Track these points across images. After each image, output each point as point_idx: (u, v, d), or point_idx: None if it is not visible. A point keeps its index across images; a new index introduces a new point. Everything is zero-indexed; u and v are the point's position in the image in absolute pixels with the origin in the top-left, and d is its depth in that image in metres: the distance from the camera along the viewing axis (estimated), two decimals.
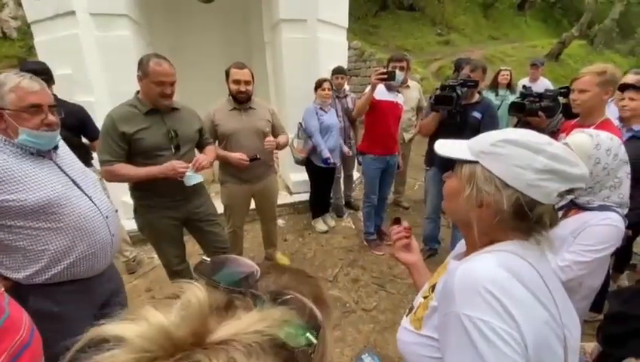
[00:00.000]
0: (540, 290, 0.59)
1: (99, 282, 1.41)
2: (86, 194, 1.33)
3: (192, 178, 1.85)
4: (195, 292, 0.30)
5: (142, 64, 1.74)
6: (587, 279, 1.28)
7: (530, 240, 0.65)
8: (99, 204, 1.37)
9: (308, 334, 0.31)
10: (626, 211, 1.27)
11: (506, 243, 0.64)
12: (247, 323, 0.28)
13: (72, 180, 1.32)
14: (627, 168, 1.22)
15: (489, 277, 0.58)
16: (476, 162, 0.66)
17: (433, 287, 0.78)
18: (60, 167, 1.30)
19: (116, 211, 2.86)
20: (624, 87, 2.13)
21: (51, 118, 1.24)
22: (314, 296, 0.38)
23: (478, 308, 0.56)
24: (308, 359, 0.31)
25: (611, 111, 2.91)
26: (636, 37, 17.08)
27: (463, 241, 0.82)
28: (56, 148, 1.32)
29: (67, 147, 1.44)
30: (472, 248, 0.72)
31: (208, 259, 0.39)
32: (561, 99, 2.37)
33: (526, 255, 0.62)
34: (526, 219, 0.63)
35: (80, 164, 1.43)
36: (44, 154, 1.26)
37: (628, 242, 2.24)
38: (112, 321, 0.28)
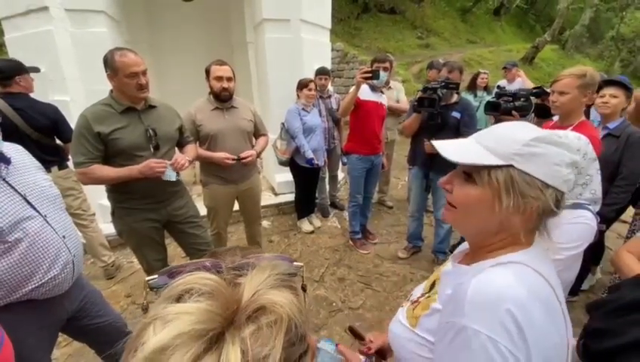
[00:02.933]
0: (554, 309, 0.58)
1: (59, 302, 1.30)
2: (40, 214, 1.21)
3: (171, 174, 1.80)
4: (204, 275, 0.33)
5: (107, 61, 1.66)
6: (563, 273, 1.31)
7: (537, 239, 0.65)
8: (54, 223, 1.25)
9: (294, 263, 0.41)
10: (598, 208, 1.32)
11: (517, 254, 0.61)
12: (258, 276, 0.34)
13: (24, 198, 1.18)
14: (596, 164, 1.27)
15: (513, 297, 0.54)
16: (508, 166, 0.59)
17: (432, 285, 0.76)
18: (9, 184, 1.16)
19: (93, 215, 2.79)
20: (606, 84, 2.16)
21: None
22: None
23: (491, 327, 0.53)
24: (302, 280, 0.41)
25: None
26: (605, 42, 17.98)
27: (465, 244, 0.78)
28: (7, 161, 1.17)
29: (27, 156, 1.30)
30: (479, 250, 0.68)
31: (156, 276, 0.42)
32: (534, 100, 2.46)
33: (538, 266, 0.60)
34: (559, 210, 0.62)
35: (38, 177, 1.28)
36: None
37: (600, 235, 2.33)
38: (143, 334, 0.29)
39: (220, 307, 0.30)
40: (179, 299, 0.32)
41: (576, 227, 1.24)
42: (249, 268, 0.36)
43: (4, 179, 1.15)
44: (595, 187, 1.28)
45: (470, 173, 0.63)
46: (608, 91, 2.13)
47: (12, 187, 1.16)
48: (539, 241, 0.65)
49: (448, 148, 0.66)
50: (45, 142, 2.39)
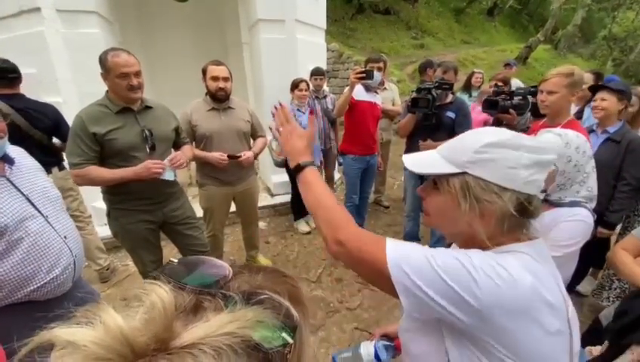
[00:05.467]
0: (557, 301, 0.59)
1: (59, 303, 1.29)
2: (42, 215, 1.23)
3: (168, 174, 1.79)
4: (160, 293, 0.28)
5: (101, 61, 1.66)
6: (559, 271, 1.34)
7: (531, 234, 0.66)
8: (55, 224, 1.27)
9: (283, 334, 0.30)
10: (594, 205, 1.33)
11: (518, 245, 0.63)
12: (216, 325, 0.27)
13: (27, 198, 1.21)
14: (592, 162, 1.28)
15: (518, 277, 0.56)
16: (463, 173, 0.63)
17: None
18: (13, 184, 1.18)
19: (90, 217, 2.76)
20: (596, 89, 2.18)
21: None
22: (290, 296, 0.36)
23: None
24: (283, 360, 0.30)
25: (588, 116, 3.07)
26: (597, 41, 18.20)
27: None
28: (11, 162, 1.20)
29: (29, 158, 1.32)
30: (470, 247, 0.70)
31: (176, 261, 0.37)
32: (531, 98, 2.48)
33: (538, 257, 0.62)
34: (528, 213, 0.63)
35: (40, 178, 1.31)
36: None
37: (606, 240, 2.29)
38: (65, 324, 0.26)
39: (137, 335, 0.25)
40: (131, 302, 0.29)
41: (573, 224, 1.25)
42: (233, 304, 0.30)
43: (8, 179, 1.18)
44: (592, 184, 1.29)
45: (436, 182, 0.68)
46: (599, 96, 2.14)
47: (15, 187, 1.19)
48: (540, 242, 0.66)
49: (411, 160, 0.72)
50: (45, 143, 2.37)
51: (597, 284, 2.38)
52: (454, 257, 0.59)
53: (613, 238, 2.36)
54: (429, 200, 0.71)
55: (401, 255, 0.62)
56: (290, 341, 0.30)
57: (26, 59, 2.80)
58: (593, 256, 2.35)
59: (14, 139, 1.41)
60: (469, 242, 0.67)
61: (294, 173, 0.86)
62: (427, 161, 0.70)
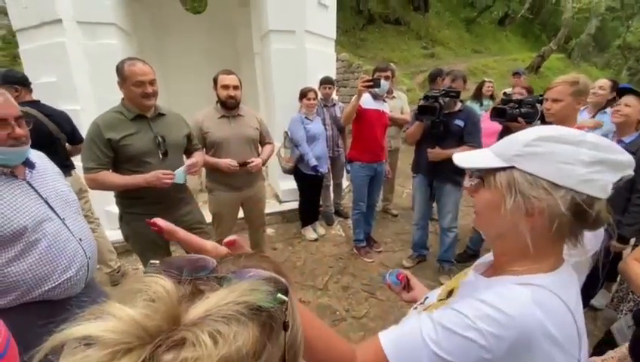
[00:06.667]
0: (567, 337, 0.55)
1: (72, 302, 1.33)
2: (59, 217, 1.27)
3: (179, 178, 1.84)
4: (161, 283, 0.30)
5: (118, 69, 1.74)
6: None
7: (565, 263, 0.62)
8: (71, 226, 1.31)
9: (278, 294, 0.33)
10: None
11: (539, 276, 0.59)
12: (218, 298, 0.29)
13: (45, 201, 1.25)
14: None
15: (526, 320, 0.54)
16: (511, 167, 0.59)
17: (450, 292, 0.74)
18: (32, 187, 1.23)
19: (97, 219, 2.82)
20: (623, 92, 2.14)
21: (19, 130, 1.15)
22: (275, 270, 0.39)
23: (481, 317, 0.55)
24: (283, 317, 0.33)
25: (583, 116, 3.05)
26: (611, 50, 17.93)
27: (489, 255, 0.76)
28: (32, 166, 1.25)
29: (49, 163, 1.37)
30: (500, 262, 0.67)
31: (157, 262, 0.39)
32: (540, 107, 2.45)
33: (558, 289, 0.57)
34: (586, 218, 0.56)
35: (58, 182, 1.35)
36: (16, 173, 1.20)
37: (618, 254, 2.23)
38: (73, 323, 0.27)
39: (151, 321, 0.27)
40: (129, 297, 0.30)
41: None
42: (226, 282, 0.33)
43: (28, 183, 1.22)
44: None
45: (483, 179, 0.64)
46: (623, 100, 2.08)
47: (35, 190, 1.23)
48: (566, 266, 0.62)
49: (461, 156, 0.68)
50: (65, 146, 2.48)
51: (613, 296, 2.31)
52: (448, 329, 0.56)
53: (626, 250, 2.30)
54: (477, 197, 0.66)
55: (401, 354, 0.59)
56: (286, 298, 0.33)
57: (46, 69, 2.94)
58: (608, 268, 2.29)
59: (46, 143, 1.48)
60: (511, 248, 0.63)
61: None
62: (475, 156, 0.67)
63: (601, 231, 0.68)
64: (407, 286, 1.00)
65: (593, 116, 3.09)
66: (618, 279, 2.59)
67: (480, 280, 0.68)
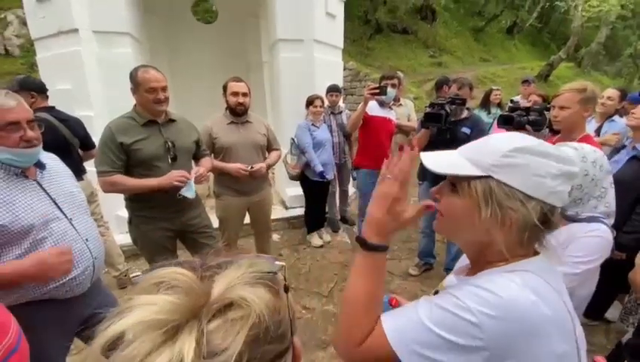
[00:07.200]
0: (562, 319, 0.57)
1: (78, 303, 1.35)
2: (66, 217, 1.30)
3: (189, 190, 1.87)
4: (178, 270, 0.33)
5: (132, 76, 1.79)
6: (578, 289, 1.29)
7: (542, 253, 0.64)
8: (78, 226, 1.33)
9: (276, 262, 0.39)
10: (612, 221, 1.29)
11: (521, 263, 0.61)
12: (232, 272, 0.34)
13: (54, 201, 1.28)
14: (610, 178, 1.26)
15: (520, 304, 0.55)
16: (487, 177, 0.59)
17: (435, 294, 0.75)
18: (42, 187, 1.26)
19: (107, 223, 2.87)
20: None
21: (30, 133, 1.18)
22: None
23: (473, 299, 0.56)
24: (283, 279, 0.39)
25: (591, 126, 3.02)
26: (623, 59, 17.72)
27: (463, 257, 0.77)
28: (42, 167, 1.29)
29: (61, 164, 1.41)
30: (477, 264, 0.68)
31: (140, 273, 0.44)
32: (548, 114, 2.44)
33: (546, 276, 0.59)
34: (548, 225, 0.60)
35: (68, 183, 1.38)
36: (27, 174, 1.23)
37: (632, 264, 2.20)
38: (108, 322, 0.29)
39: (186, 300, 0.30)
40: (150, 291, 0.33)
41: (591, 240, 1.21)
42: (227, 265, 0.36)
43: (38, 183, 1.26)
44: (610, 200, 1.26)
45: (455, 184, 0.64)
46: None
47: (44, 190, 1.26)
48: (542, 255, 0.64)
49: (431, 158, 0.67)
50: (78, 151, 2.55)
51: (623, 308, 2.26)
52: (442, 308, 0.58)
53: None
54: (445, 202, 0.67)
55: (400, 334, 0.61)
56: (283, 263, 0.40)
57: (62, 76, 3.03)
58: (620, 280, 2.24)
59: (61, 148, 1.52)
60: (484, 252, 0.64)
61: (361, 246, 0.68)
62: (448, 161, 0.66)
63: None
64: None
65: (601, 125, 3.06)
66: (631, 291, 2.53)
67: (465, 280, 0.68)
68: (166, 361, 0.27)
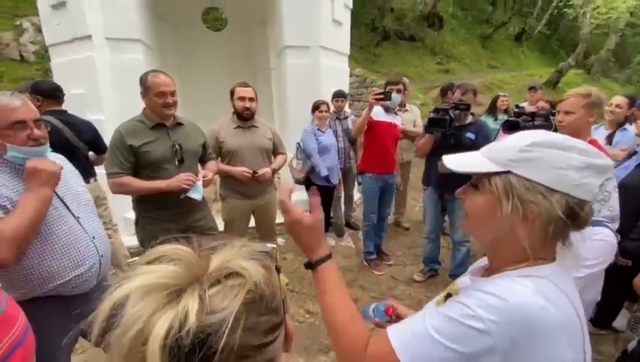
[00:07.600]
0: (571, 324, 0.57)
1: (84, 300, 1.37)
2: (73, 215, 1.32)
3: (196, 191, 1.90)
4: (177, 246, 0.36)
5: (142, 80, 1.84)
6: (582, 294, 1.28)
7: (559, 258, 0.63)
8: (85, 224, 1.36)
9: (267, 244, 0.43)
10: (617, 226, 1.29)
11: (537, 268, 0.60)
12: (228, 250, 0.37)
13: (61, 199, 1.30)
14: (614, 182, 1.26)
15: (528, 307, 0.55)
16: (507, 172, 0.60)
17: (447, 296, 0.75)
18: None
19: (116, 225, 2.92)
20: None
21: (37, 132, 1.21)
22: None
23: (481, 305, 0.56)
24: (275, 262, 0.42)
25: (600, 133, 3.00)
26: (632, 66, 17.51)
27: (483, 259, 0.77)
28: None
29: (68, 164, 1.44)
30: (496, 265, 0.67)
31: (137, 259, 0.44)
32: (554, 119, 2.43)
33: (559, 281, 0.59)
34: (577, 219, 0.59)
35: (75, 183, 1.42)
36: None
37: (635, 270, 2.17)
38: (113, 289, 0.32)
39: (187, 270, 0.32)
40: (152, 264, 0.35)
41: (594, 244, 1.21)
42: (222, 247, 0.38)
43: None
44: (614, 204, 1.26)
45: (476, 183, 0.65)
46: None
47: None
48: (560, 259, 0.63)
49: (452, 159, 0.68)
50: (86, 154, 2.59)
51: (632, 317, 2.22)
52: (449, 317, 0.58)
53: None
54: (469, 201, 0.67)
55: (410, 351, 0.60)
56: (274, 245, 0.43)
57: (75, 81, 3.12)
58: (627, 287, 2.21)
59: (66, 151, 1.56)
60: (507, 252, 0.63)
61: (307, 268, 0.78)
62: (468, 160, 0.66)
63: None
64: (397, 319, 0.93)
65: (612, 133, 3.03)
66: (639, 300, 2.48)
67: (478, 281, 0.68)
68: (171, 318, 0.29)
